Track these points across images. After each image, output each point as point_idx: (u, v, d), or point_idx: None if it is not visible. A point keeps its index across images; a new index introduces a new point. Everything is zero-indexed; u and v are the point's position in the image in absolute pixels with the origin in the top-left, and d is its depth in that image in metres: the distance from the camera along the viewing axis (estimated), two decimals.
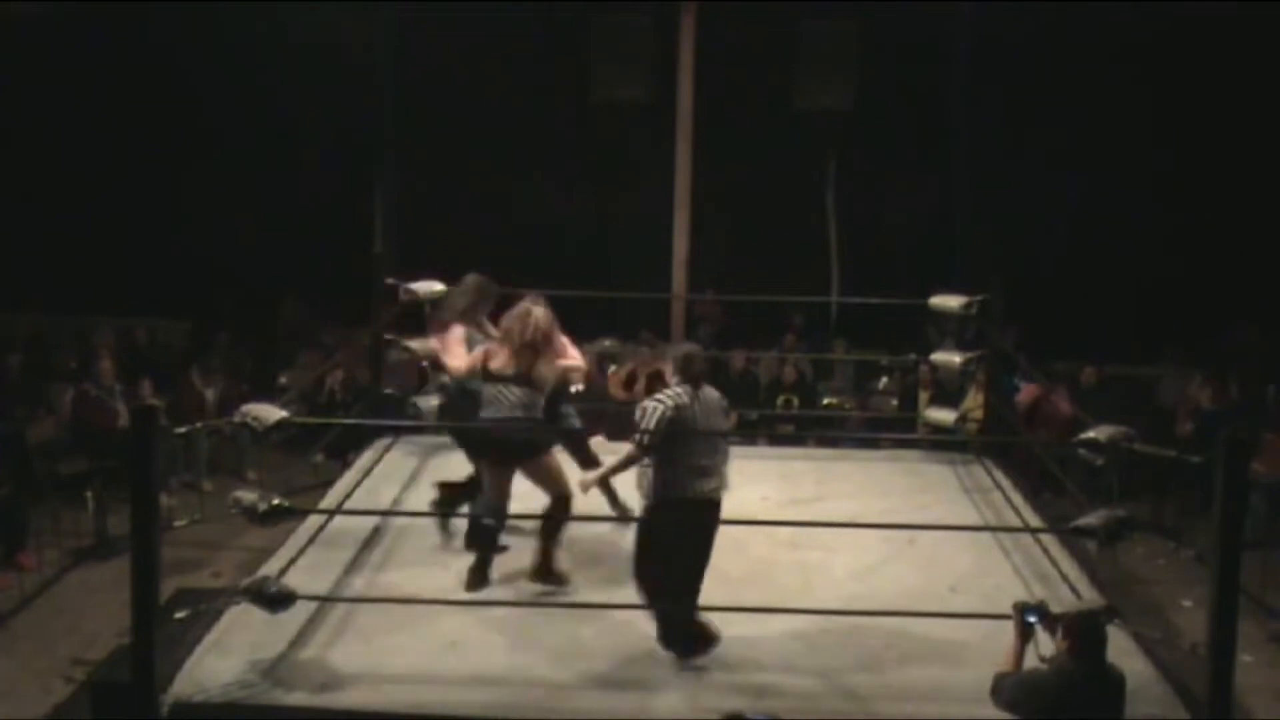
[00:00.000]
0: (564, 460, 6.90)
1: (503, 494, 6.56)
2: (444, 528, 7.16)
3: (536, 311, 6.52)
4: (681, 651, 5.77)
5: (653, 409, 5.79)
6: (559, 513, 6.48)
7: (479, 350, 6.68)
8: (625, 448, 5.99)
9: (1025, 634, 4.93)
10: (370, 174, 10.01)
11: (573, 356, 6.83)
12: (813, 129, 12.19)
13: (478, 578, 6.52)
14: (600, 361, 11.97)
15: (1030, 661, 4.91)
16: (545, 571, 6.45)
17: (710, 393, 5.98)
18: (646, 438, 5.76)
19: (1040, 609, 4.93)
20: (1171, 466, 8.66)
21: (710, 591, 6.51)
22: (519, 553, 6.89)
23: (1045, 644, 4.88)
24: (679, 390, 5.86)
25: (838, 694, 5.57)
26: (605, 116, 12.07)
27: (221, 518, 6.94)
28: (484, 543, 6.59)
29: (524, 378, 6.42)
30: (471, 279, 7.27)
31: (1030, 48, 12.14)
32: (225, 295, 13.91)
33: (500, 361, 6.46)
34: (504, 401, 6.43)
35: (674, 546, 5.78)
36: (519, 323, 6.46)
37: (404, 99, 11.12)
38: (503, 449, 6.52)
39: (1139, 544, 9.48)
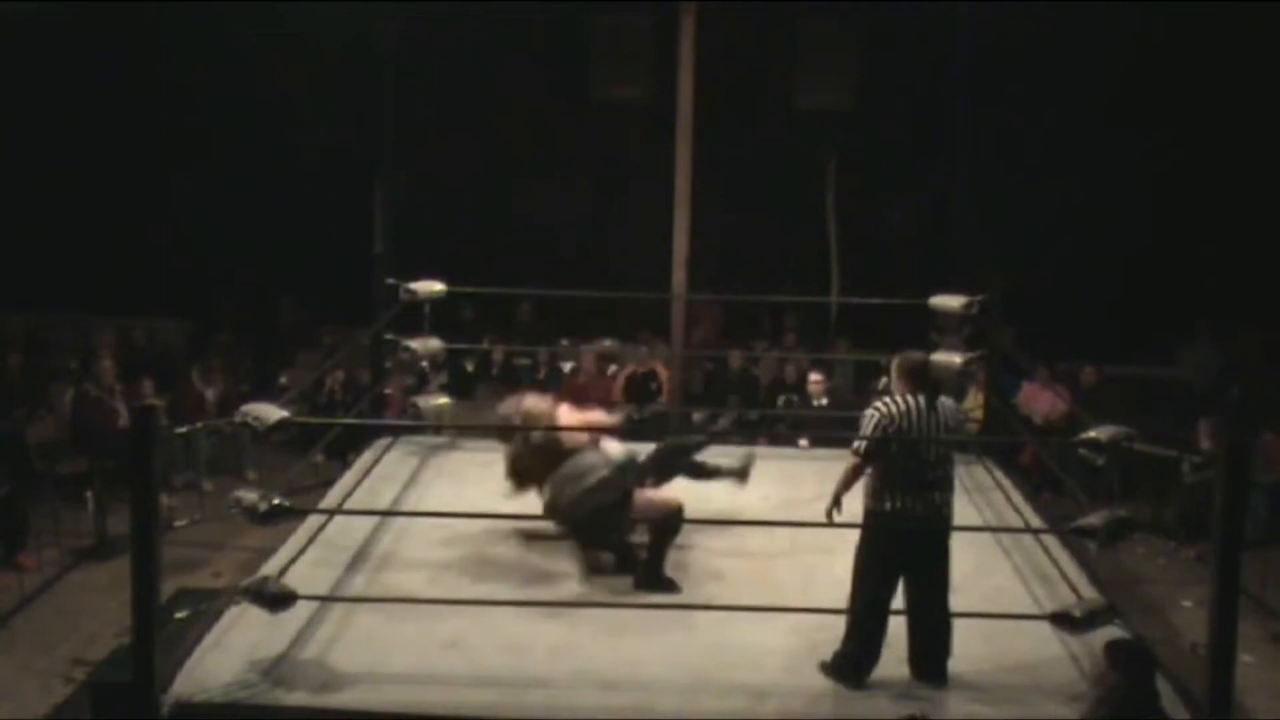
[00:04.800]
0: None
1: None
2: None
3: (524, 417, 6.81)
4: (832, 672, 5.66)
5: (869, 416, 5.57)
6: (664, 531, 6.54)
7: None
8: None
9: None
10: (370, 174, 9.97)
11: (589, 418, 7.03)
12: (813, 129, 12.18)
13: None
14: (600, 362, 11.99)
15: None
16: (653, 580, 6.51)
17: (945, 404, 5.66)
18: (860, 445, 5.57)
19: None
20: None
21: (710, 591, 6.54)
22: (521, 553, 6.91)
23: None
24: (901, 398, 5.57)
25: (838, 694, 5.57)
26: (605, 116, 12.06)
27: (221, 518, 6.95)
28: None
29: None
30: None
31: (1030, 48, 12.13)
32: (225, 295, 13.91)
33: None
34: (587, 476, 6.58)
35: (868, 564, 5.61)
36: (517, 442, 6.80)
37: (404, 98, 11.07)
38: (578, 535, 6.76)
39: (1139, 544, 9.48)
